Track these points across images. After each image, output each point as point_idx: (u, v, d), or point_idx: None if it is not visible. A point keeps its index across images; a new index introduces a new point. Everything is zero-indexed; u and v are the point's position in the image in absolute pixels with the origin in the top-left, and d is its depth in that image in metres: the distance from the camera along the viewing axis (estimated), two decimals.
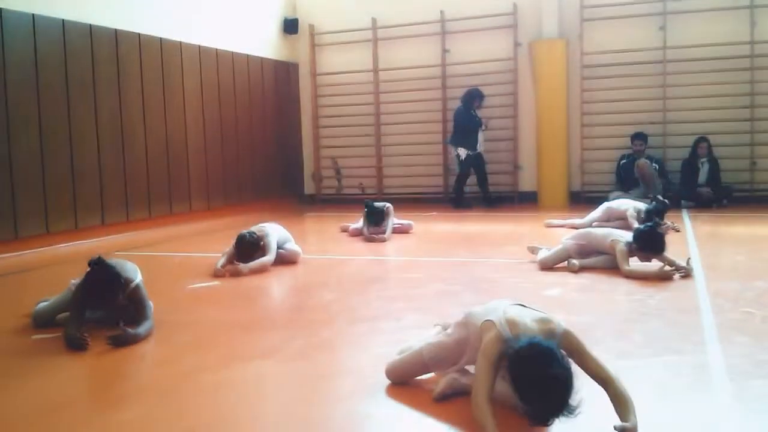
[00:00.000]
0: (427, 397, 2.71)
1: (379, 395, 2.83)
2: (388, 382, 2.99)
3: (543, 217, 9.02)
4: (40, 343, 3.75)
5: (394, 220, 7.65)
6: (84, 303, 3.76)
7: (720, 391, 2.76)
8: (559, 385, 2.24)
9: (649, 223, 5.37)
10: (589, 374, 2.47)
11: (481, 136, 10.42)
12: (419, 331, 3.71)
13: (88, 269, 3.71)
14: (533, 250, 5.65)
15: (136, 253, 6.62)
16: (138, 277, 3.90)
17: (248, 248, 5.64)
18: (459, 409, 2.59)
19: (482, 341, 2.50)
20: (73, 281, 4.04)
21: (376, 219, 7.42)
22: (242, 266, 5.50)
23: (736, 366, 2.99)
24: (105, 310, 3.84)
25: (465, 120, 10.34)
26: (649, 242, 5.02)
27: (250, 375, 3.15)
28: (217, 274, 5.44)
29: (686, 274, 4.91)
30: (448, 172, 11.23)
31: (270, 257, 5.68)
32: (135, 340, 3.64)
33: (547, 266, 5.33)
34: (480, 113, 10.46)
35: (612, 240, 5.23)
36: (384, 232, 7.37)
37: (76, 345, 3.54)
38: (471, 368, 2.72)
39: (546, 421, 2.35)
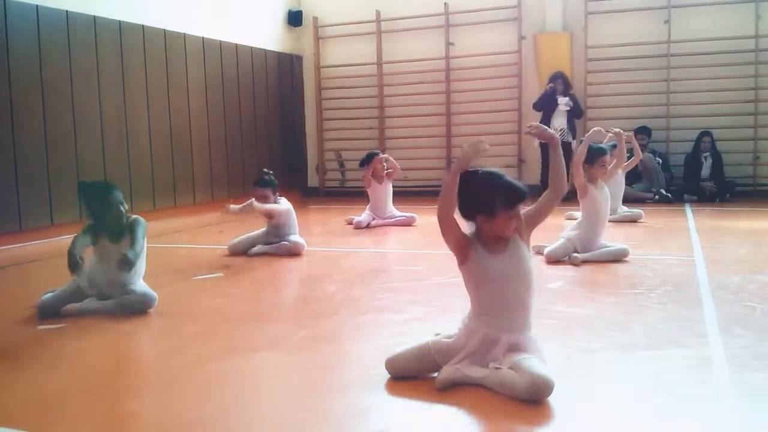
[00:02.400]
0: (429, 387, 2.72)
1: (382, 386, 2.85)
2: None
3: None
4: (46, 333, 3.78)
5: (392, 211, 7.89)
6: (91, 215, 4.09)
7: (721, 384, 2.77)
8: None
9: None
10: (547, 210, 2.89)
11: (558, 121, 9.92)
12: (423, 323, 3.74)
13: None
14: (539, 250, 5.55)
15: None
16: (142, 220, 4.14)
17: (265, 183, 5.95)
18: (462, 399, 2.61)
19: None
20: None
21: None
22: (255, 203, 5.74)
23: (737, 359, 3.01)
24: (107, 226, 4.08)
25: (540, 104, 10.07)
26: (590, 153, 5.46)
27: (254, 366, 3.17)
28: (226, 211, 5.80)
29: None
30: (451, 165, 11.23)
31: (281, 207, 5.95)
32: (132, 259, 3.91)
33: (555, 259, 5.32)
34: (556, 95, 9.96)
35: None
36: (391, 217, 7.68)
37: (72, 263, 3.91)
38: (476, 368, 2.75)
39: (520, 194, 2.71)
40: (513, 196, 2.70)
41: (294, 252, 5.97)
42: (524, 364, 2.61)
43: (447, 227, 2.75)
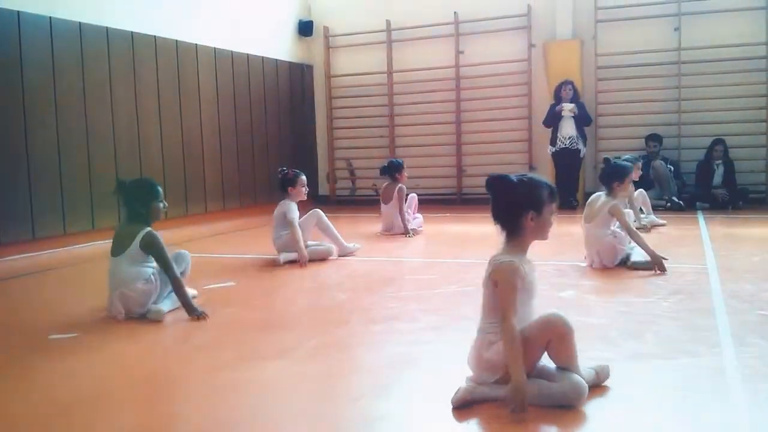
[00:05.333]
0: (441, 397, 2.71)
1: (393, 395, 2.85)
2: (403, 381, 3.00)
3: (557, 217, 9.00)
4: (58, 342, 3.79)
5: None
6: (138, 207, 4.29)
7: (734, 393, 2.75)
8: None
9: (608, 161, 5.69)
10: None
11: (566, 129, 9.88)
12: (434, 332, 3.74)
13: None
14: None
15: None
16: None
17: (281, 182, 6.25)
18: (477, 410, 2.60)
19: (496, 277, 2.69)
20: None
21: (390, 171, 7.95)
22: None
23: (751, 368, 2.98)
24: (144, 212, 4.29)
25: (549, 120, 10.08)
26: (616, 169, 5.50)
27: (265, 375, 3.18)
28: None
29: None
30: (461, 173, 11.25)
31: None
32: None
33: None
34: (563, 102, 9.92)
35: (610, 208, 5.36)
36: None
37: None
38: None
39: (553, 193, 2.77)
40: (552, 188, 2.77)
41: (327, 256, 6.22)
42: (554, 371, 2.66)
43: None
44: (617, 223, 5.47)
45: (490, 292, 2.75)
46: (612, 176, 5.51)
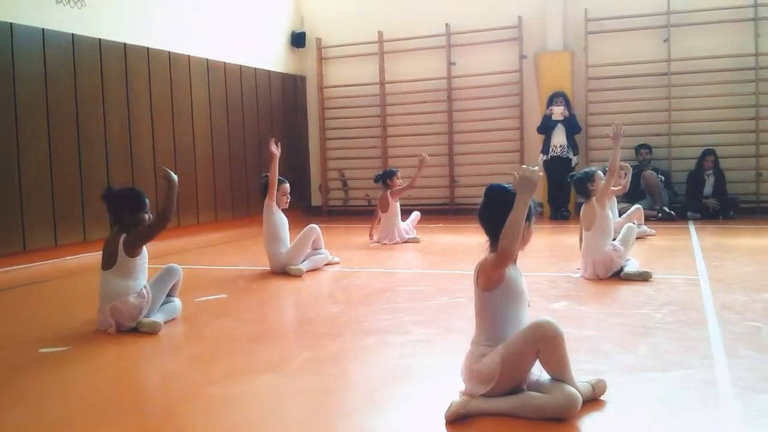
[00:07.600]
0: (435, 410, 2.71)
1: (385, 409, 2.84)
2: (395, 395, 3.00)
3: (549, 228, 9.02)
4: (48, 356, 3.77)
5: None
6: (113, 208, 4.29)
7: (726, 405, 2.76)
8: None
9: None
10: None
11: (558, 138, 9.99)
12: (426, 345, 3.74)
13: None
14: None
15: None
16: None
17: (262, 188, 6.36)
18: (468, 426, 2.60)
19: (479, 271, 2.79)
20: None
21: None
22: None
23: (742, 380, 2.99)
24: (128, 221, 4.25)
25: (542, 128, 10.18)
26: (580, 177, 5.68)
27: (257, 388, 3.16)
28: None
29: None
30: (454, 183, 11.27)
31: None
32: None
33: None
34: (554, 112, 10.00)
35: (597, 198, 5.52)
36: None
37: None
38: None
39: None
40: (535, 202, 2.82)
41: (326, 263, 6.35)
42: (548, 383, 2.66)
43: (512, 257, 2.72)
44: (618, 235, 5.57)
45: (478, 296, 2.79)
46: (581, 183, 5.61)
